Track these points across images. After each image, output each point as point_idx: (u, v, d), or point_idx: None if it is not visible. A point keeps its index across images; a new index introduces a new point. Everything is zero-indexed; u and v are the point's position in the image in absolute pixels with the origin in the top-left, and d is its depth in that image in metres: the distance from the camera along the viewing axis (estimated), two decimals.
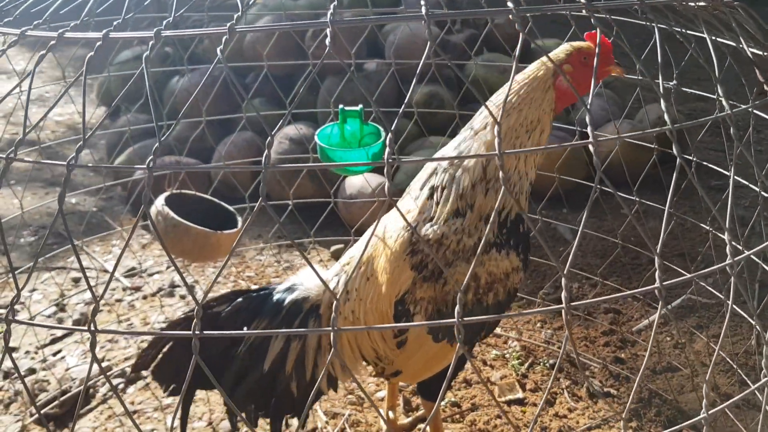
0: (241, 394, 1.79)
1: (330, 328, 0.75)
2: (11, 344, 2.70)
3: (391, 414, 2.25)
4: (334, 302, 0.76)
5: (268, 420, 1.88)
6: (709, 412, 0.85)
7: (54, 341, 2.75)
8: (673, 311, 2.78)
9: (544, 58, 1.77)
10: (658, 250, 0.81)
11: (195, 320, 0.76)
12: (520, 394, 2.39)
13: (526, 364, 2.54)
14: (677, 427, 0.94)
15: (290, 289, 1.85)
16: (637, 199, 2.40)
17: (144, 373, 2.46)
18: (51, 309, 2.93)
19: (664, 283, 0.82)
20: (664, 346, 2.62)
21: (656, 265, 0.82)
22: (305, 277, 1.89)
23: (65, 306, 2.96)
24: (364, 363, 1.90)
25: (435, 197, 1.77)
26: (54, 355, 2.65)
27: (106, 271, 3.25)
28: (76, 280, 3.18)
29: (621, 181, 2.74)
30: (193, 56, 4.37)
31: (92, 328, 0.75)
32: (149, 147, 3.88)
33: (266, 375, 1.75)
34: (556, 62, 1.74)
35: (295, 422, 2.29)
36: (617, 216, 3.62)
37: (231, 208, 2.41)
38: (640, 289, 0.82)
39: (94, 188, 3.91)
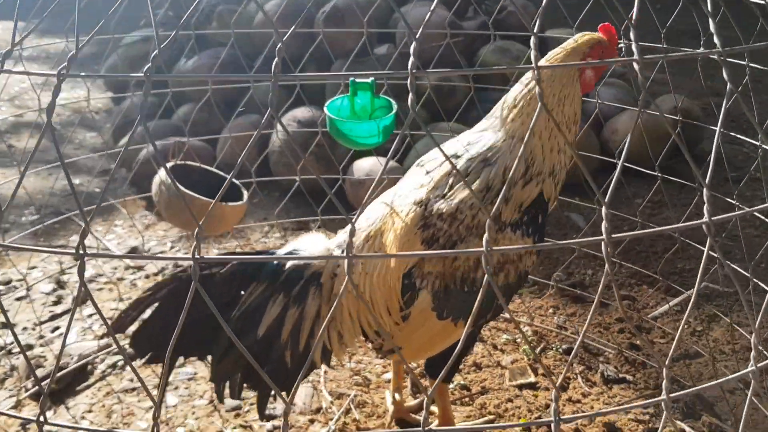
0: (231, 360, 1.72)
1: (345, 255, 0.67)
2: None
3: (397, 396, 2.17)
4: (347, 239, 0.68)
5: (255, 393, 1.81)
6: (758, 365, 0.77)
7: (53, 318, 2.68)
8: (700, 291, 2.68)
9: (565, 48, 1.72)
10: (707, 181, 0.73)
11: (194, 245, 0.69)
12: (531, 378, 2.30)
13: (538, 349, 2.46)
14: (721, 380, 0.86)
15: (291, 254, 1.77)
16: (659, 175, 2.32)
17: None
18: (50, 285, 2.86)
19: (714, 218, 0.74)
20: (681, 334, 2.52)
21: (704, 198, 0.74)
22: (308, 243, 1.82)
23: (65, 283, 2.89)
24: (362, 338, 1.83)
25: (452, 180, 1.70)
26: (52, 331, 2.58)
27: (107, 249, 3.18)
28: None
29: (635, 171, 2.67)
30: (200, 39, 4.31)
31: (80, 252, 0.67)
32: (155, 127, 3.82)
33: (260, 341, 1.68)
34: (582, 53, 1.71)
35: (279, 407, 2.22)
36: (631, 206, 3.53)
37: (237, 181, 2.35)
38: (687, 223, 0.74)
39: (99, 152, 3.86)
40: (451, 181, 1.71)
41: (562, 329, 2.58)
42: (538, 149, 1.67)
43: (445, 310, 1.71)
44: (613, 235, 0.67)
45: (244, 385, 1.77)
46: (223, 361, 1.71)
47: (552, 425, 0.69)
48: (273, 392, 1.85)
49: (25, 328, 2.59)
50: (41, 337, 2.53)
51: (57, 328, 2.60)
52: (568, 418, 0.74)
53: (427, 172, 1.78)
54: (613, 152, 3.86)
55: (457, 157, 1.74)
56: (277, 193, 3.67)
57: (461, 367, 2.37)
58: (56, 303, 2.77)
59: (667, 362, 0.71)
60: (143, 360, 1.70)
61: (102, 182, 3.95)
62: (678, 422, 2.09)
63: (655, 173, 2.33)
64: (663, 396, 0.72)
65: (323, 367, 2.34)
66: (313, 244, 1.82)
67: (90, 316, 2.66)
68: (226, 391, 1.78)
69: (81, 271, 0.67)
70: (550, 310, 2.72)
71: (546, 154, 1.67)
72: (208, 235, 3.10)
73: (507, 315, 2.66)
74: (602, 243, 0.67)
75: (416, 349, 1.83)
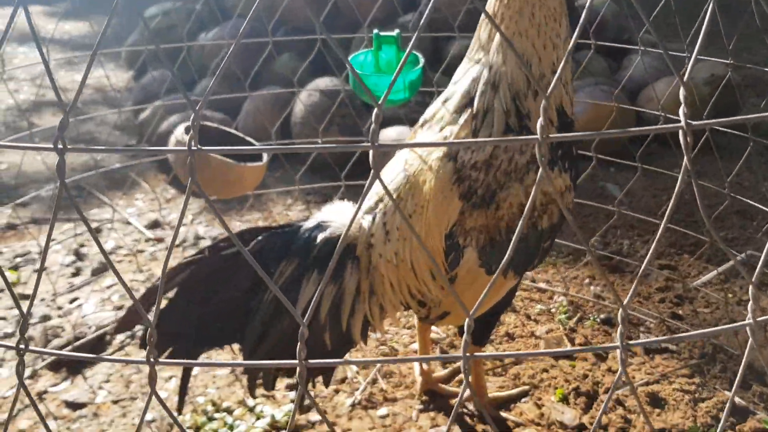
0: (266, 349, 1.58)
1: (368, 144, 0.57)
2: (25, 291, 2.58)
3: (425, 366, 2.06)
4: (373, 127, 0.57)
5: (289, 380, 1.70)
6: None
7: (71, 290, 2.61)
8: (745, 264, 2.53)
9: None
10: None
11: (191, 133, 0.58)
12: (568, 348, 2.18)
13: (575, 319, 2.33)
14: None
15: (320, 227, 1.62)
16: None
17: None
18: (69, 257, 2.80)
19: None
20: (728, 300, 2.38)
21: None
22: (335, 214, 1.69)
23: (84, 255, 2.83)
24: (403, 310, 1.71)
25: (475, 124, 1.58)
26: (70, 303, 2.51)
27: (128, 222, 3.11)
28: (97, 231, 3.05)
29: (669, 142, 2.51)
30: (222, 10, 4.22)
31: (60, 147, 0.58)
32: (175, 100, 3.74)
33: (297, 325, 1.56)
34: None
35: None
36: (668, 178, 3.39)
37: (257, 143, 2.25)
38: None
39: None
40: (475, 125, 1.59)
41: (599, 299, 2.44)
42: (530, 50, 1.53)
43: (494, 264, 1.58)
44: (693, 122, 0.56)
45: (279, 372, 1.65)
46: (257, 352, 1.58)
47: (618, 352, 0.58)
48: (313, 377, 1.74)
49: (42, 299, 2.53)
50: (59, 308, 2.47)
51: (75, 299, 2.54)
52: (636, 343, 0.63)
53: (441, 129, 1.65)
54: (648, 121, 3.71)
55: (471, 98, 1.61)
56: (300, 167, 3.57)
57: (493, 337, 2.26)
58: (75, 275, 2.71)
59: (755, 277, 0.60)
60: (162, 357, 1.55)
61: (123, 158, 3.88)
62: (726, 392, 1.96)
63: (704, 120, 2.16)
64: (749, 320, 0.60)
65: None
66: (340, 214, 1.69)
67: (109, 287, 2.59)
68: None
69: (60, 167, 0.57)
70: (587, 280, 2.58)
71: (540, 53, 1.53)
72: (226, 197, 3.01)
73: (543, 285, 2.54)
74: (680, 132, 0.55)
75: (463, 312, 1.72)
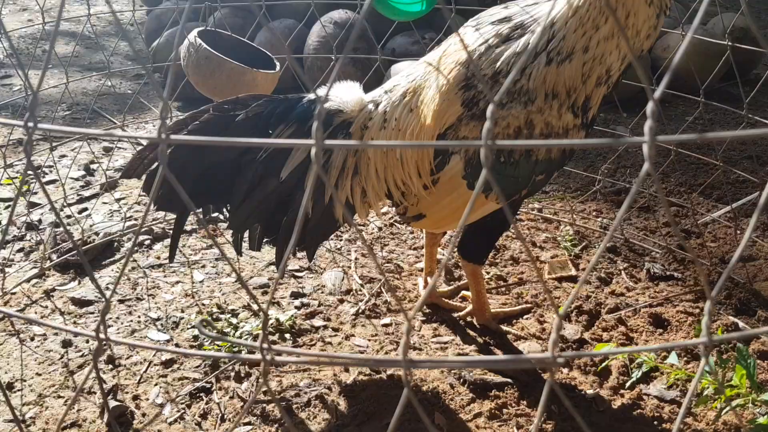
0: (251, 205, 1.62)
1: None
2: (34, 200, 2.59)
3: (429, 279, 2.07)
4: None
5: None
6: None
7: (81, 200, 2.63)
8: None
9: None
10: None
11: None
12: (572, 272, 2.19)
13: (580, 247, 2.33)
14: None
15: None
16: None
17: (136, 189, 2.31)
18: (79, 172, 2.81)
19: None
20: (737, 237, 2.37)
21: None
22: (341, 91, 1.71)
23: (94, 171, 2.84)
24: (387, 201, 1.75)
25: (498, 40, 1.58)
26: (80, 213, 2.53)
27: (139, 144, 3.11)
28: (107, 150, 3.05)
29: (686, 90, 2.46)
30: None
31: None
32: (188, 29, 3.70)
33: (283, 184, 1.59)
34: None
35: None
36: (680, 123, 3.36)
37: (269, 53, 2.23)
38: None
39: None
40: (497, 41, 1.60)
41: (605, 230, 2.44)
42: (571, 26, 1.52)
43: (476, 179, 1.60)
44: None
45: (266, 237, 1.70)
46: (242, 207, 1.62)
47: None
48: (293, 250, 1.78)
49: (52, 209, 2.54)
50: (69, 216, 2.48)
51: (84, 209, 2.55)
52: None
53: (478, 28, 1.66)
54: (663, 69, 3.66)
55: (509, 20, 1.62)
56: None
57: (498, 260, 2.27)
58: (84, 188, 2.72)
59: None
60: (156, 207, 1.62)
61: (135, 85, 3.88)
62: (730, 317, 1.96)
63: (699, 99, 2.12)
64: None
65: (353, 250, 2.26)
66: (344, 91, 1.71)
67: (118, 200, 2.60)
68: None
69: None
70: (593, 213, 2.58)
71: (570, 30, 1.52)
72: None
73: (549, 215, 2.53)
74: None
75: (441, 217, 1.74)
